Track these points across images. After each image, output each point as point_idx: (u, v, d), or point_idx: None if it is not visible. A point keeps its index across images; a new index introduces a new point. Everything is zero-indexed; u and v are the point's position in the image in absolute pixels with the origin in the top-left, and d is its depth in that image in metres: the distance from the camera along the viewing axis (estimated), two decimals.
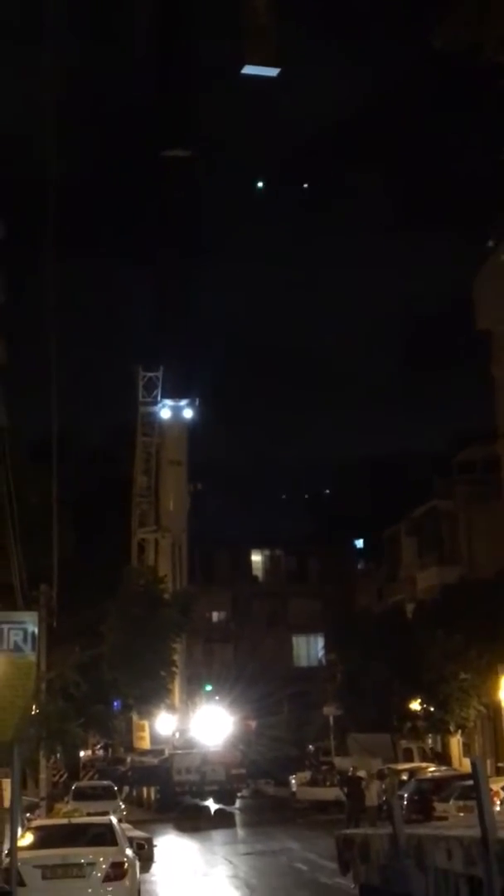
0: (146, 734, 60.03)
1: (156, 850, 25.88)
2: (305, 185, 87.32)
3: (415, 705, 48.89)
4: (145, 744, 59.43)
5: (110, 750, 64.72)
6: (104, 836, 18.69)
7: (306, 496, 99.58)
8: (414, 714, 49.47)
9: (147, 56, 66.71)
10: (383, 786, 37.95)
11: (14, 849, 16.54)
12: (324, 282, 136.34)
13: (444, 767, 44.91)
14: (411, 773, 40.23)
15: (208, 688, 74.50)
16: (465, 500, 54.97)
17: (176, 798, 47.37)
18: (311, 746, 64.74)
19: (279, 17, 46.21)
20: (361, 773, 41.38)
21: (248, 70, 44.77)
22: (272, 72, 45.28)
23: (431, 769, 42.24)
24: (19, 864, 16.39)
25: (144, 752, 57.65)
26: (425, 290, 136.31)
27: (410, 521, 62.46)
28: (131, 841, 20.45)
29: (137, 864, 19.17)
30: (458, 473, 56.80)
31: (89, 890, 17.29)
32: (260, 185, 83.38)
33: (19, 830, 18.18)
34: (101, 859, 17.60)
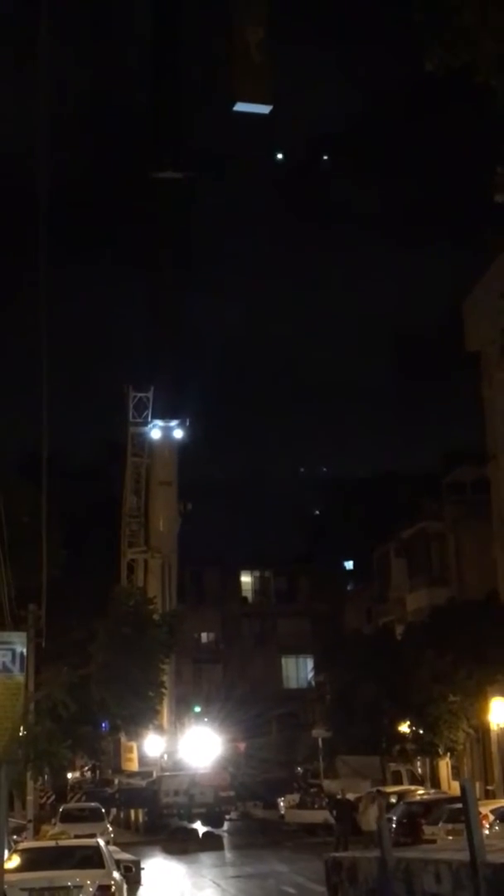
0: (134, 756, 59.86)
1: (143, 873, 25.78)
2: (325, 157, 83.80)
3: (404, 727, 48.83)
4: (133, 765, 59.27)
5: (98, 771, 64.65)
6: (91, 858, 18.65)
7: (296, 516, 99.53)
8: (403, 736, 49.40)
9: (142, 74, 67.04)
10: (381, 806, 37.84)
11: (0, 871, 16.47)
12: (315, 300, 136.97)
13: (432, 790, 44.86)
14: (400, 795, 40.15)
15: (197, 709, 74.42)
16: (455, 521, 55.02)
17: (164, 820, 47.25)
18: (299, 768, 64.63)
19: (271, 53, 46.16)
20: (350, 796, 41.35)
21: (240, 107, 44.78)
22: (264, 109, 45.25)
23: (420, 792, 42.18)
24: (6, 886, 16.33)
25: (132, 774, 57.53)
26: (418, 309, 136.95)
27: (400, 542, 62.48)
28: (119, 863, 20.41)
29: (125, 886, 19.14)
30: (448, 494, 56.86)
31: None
32: (280, 156, 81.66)
33: (6, 853, 18.10)
34: (89, 882, 17.55)
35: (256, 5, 44.87)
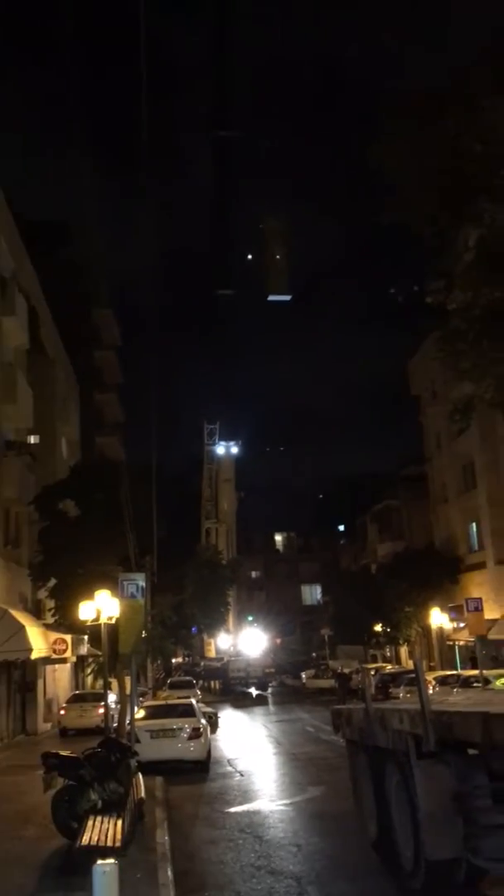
0: (212, 647, 59.96)
1: (220, 720, 25.75)
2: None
3: (377, 627, 48.55)
4: (212, 653, 59.34)
5: (190, 657, 64.75)
6: (188, 710, 18.71)
7: (309, 497, 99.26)
8: (377, 633, 49.12)
9: (207, 227, 66.84)
10: (364, 678, 37.50)
11: (133, 720, 16.56)
12: (321, 365, 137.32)
13: (396, 666, 44.53)
14: (377, 670, 39.90)
15: (250, 618, 74.43)
16: (406, 500, 54.72)
17: (231, 687, 47.22)
18: (314, 654, 64.39)
19: (290, 260, 45.81)
20: (346, 671, 41.08)
21: (271, 298, 44.71)
22: (287, 297, 45.14)
23: (389, 667, 41.87)
24: (136, 729, 16.41)
25: (211, 659, 57.55)
26: (385, 370, 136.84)
27: (373, 514, 62.27)
28: (204, 714, 20.41)
29: (208, 728, 19.14)
30: (402, 483, 56.55)
31: (179, 745, 17.31)
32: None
33: (136, 708, 18.19)
34: (186, 725, 17.61)
35: (281, 232, 44.67)
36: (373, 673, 38.13)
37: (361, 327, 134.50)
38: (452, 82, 12.54)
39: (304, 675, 52.34)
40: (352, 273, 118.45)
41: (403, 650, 51.26)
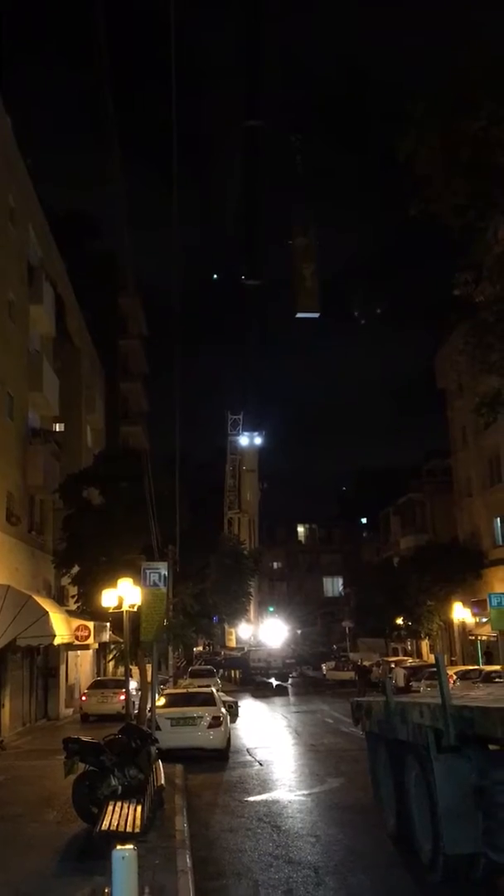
0: (233, 637, 60.10)
1: (240, 709, 25.85)
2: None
3: (399, 621, 48.45)
4: (232, 643, 59.49)
5: (211, 647, 65.00)
6: (208, 699, 18.80)
7: (332, 490, 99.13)
8: (399, 626, 49.02)
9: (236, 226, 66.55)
10: (385, 670, 37.46)
11: (153, 708, 16.67)
12: (348, 362, 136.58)
13: (417, 660, 44.41)
14: (397, 663, 39.86)
15: (271, 609, 74.52)
16: (430, 493, 54.46)
17: (251, 677, 47.36)
18: (335, 646, 64.40)
19: (319, 279, 46.15)
20: (366, 663, 41.05)
21: (300, 315, 45.11)
22: (315, 314, 45.48)
23: (409, 661, 41.78)
24: (157, 716, 16.52)
25: (232, 649, 57.69)
26: (408, 366, 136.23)
27: (396, 507, 61.98)
28: (224, 703, 20.48)
29: (228, 717, 19.21)
30: (426, 476, 56.30)
31: (199, 733, 17.41)
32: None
33: (157, 696, 18.30)
34: (206, 714, 17.70)
35: (309, 251, 44.86)
36: (393, 666, 38.16)
37: (387, 320, 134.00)
38: (481, 74, 12.39)
39: (324, 667, 52.38)
40: (377, 269, 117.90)
41: (425, 644, 51.12)
